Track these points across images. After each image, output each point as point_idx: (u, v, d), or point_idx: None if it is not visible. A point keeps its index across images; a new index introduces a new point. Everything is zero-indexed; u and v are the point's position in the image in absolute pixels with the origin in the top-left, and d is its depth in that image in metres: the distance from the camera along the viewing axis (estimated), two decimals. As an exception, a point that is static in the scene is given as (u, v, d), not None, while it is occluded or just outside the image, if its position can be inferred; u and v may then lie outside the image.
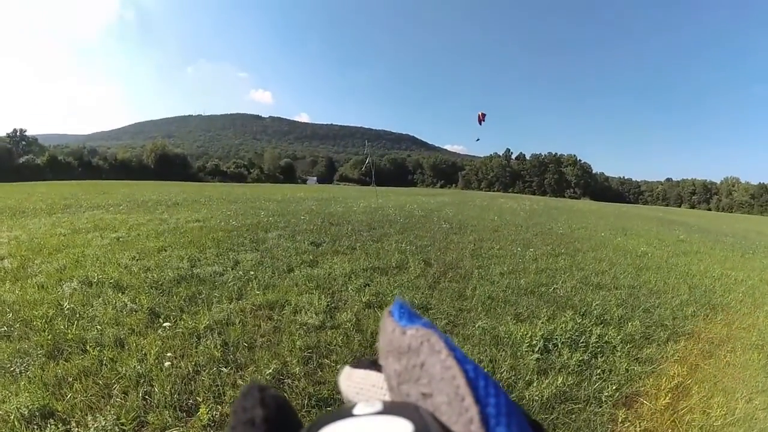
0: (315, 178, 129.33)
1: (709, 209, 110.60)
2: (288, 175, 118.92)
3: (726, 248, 11.43)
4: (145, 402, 2.38)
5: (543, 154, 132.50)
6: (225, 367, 2.79)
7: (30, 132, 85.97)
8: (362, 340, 3.37)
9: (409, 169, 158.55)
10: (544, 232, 10.77)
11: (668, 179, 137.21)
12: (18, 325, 3.26)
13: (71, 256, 5.49)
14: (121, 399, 2.39)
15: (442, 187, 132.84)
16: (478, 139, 30.97)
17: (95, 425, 2.14)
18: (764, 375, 3.48)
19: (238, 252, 6.06)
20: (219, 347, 3.03)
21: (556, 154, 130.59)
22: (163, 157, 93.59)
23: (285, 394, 2.54)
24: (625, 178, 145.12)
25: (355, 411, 0.21)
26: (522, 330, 3.69)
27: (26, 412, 2.20)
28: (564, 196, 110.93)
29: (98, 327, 3.26)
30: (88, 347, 2.92)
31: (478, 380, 0.20)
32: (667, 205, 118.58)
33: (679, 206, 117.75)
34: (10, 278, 4.51)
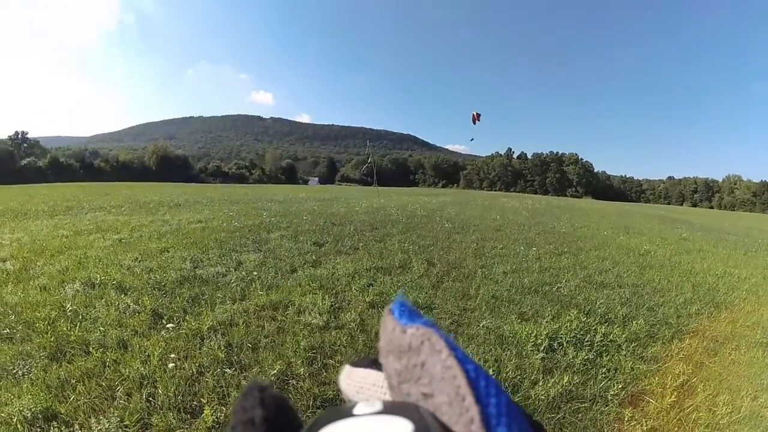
0: (317, 178, 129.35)
1: (711, 207, 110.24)
2: (289, 175, 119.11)
3: (729, 246, 11.39)
4: (148, 404, 2.37)
5: (545, 153, 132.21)
6: (229, 369, 2.78)
7: (32, 134, 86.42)
8: (366, 340, 3.36)
9: (411, 169, 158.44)
10: (546, 231, 10.75)
11: (670, 177, 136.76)
12: (20, 327, 3.26)
13: (73, 257, 5.50)
14: (124, 401, 2.38)
15: (443, 186, 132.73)
16: (472, 139, 30.84)
17: (98, 428, 2.13)
18: (771, 373, 3.46)
19: (241, 253, 6.06)
20: (223, 348, 3.02)
21: (557, 153, 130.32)
22: (165, 159, 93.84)
23: (289, 395, 2.53)
24: (627, 176, 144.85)
25: (355, 410, 0.21)
26: (527, 329, 3.67)
27: (29, 415, 2.19)
28: (566, 195, 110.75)
29: (101, 328, 3.26)
30: (90, 349, 2.91)
31: (479, 380, 0.20)
32: (669, 204, 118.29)
33: (681, 204, 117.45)
34: (13, 280, 4.51)
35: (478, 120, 26.95)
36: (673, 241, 11.07)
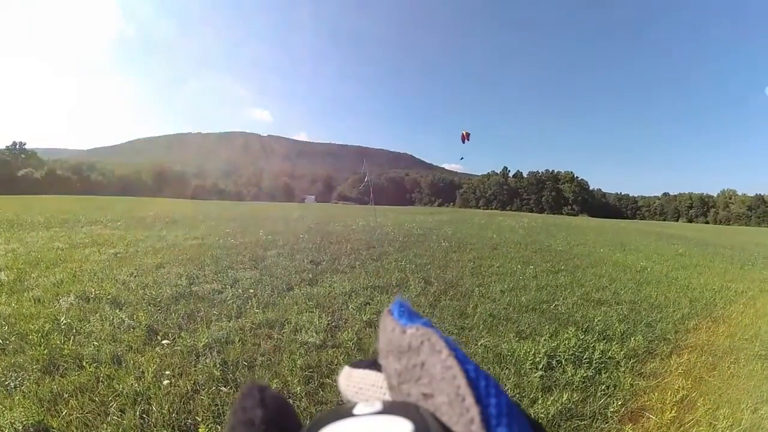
0: (313, 196, 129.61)
1: (707, 222, 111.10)
2: (286, 193, 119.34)
3: (725, 260, 11.45)
4: (142, 421, 2.32)
5: (540, 171, 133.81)
6: (224, 386, 2.74)
7: (29, 145, 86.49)
8: (364, 359, 3.33)
9: (407, 187, 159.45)
10: (543, 249, 10.77)
11: (665, 194, 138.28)
12: (13, 339, 3.22)
13: (68, 270, 5.46)
14: (117, 417, 2.33)
15: (440, 205, 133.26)
16: (462, 158, 31.61)
17: (91, 445, 2.09)
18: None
19: (237, 270, 6.03)
20: (218, 366, 2.98)
21: (553, 171, 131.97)
22: (162, 174, 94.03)
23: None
24: (623, 193, 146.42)
25: (355, 411, 0.21)
26: (525, 347, 3.65)
27: (20, 428, 2.15)
28: (562, 213, 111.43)
29: (95, 343, 3.22)
30: (84, 363, 2.87)
31: (479, 380, 0.20)
32: (664, 220, 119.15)
33: (677, 220, 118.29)
34: (6, 291, 4.48)
35: (468, 139, 27.33)
36: (669, 257, 11.12)
